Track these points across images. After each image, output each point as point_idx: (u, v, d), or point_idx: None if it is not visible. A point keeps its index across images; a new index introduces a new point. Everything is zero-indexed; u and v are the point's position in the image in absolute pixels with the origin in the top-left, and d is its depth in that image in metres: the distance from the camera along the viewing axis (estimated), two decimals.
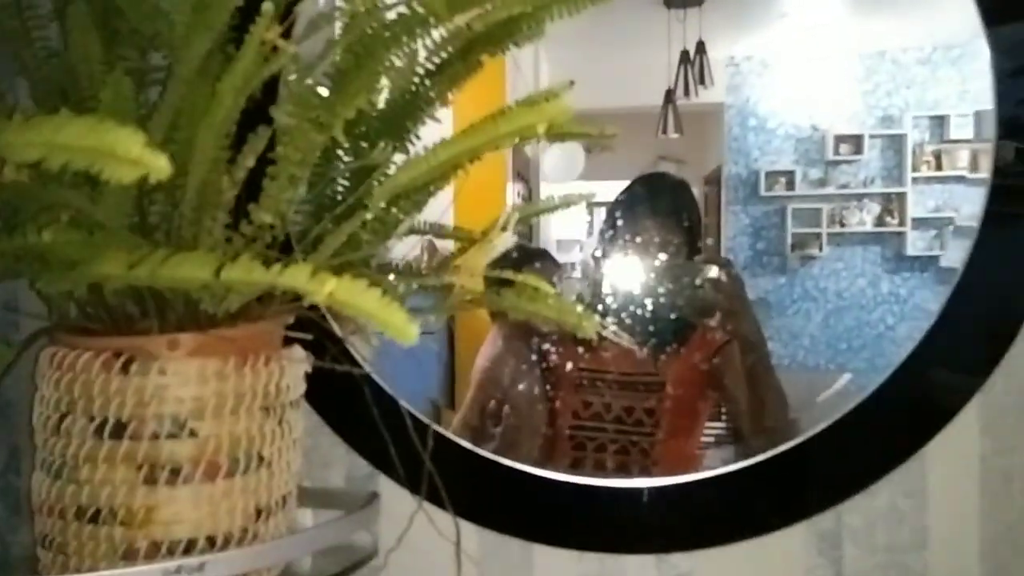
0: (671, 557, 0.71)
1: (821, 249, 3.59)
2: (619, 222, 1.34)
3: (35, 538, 0.61)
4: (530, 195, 1.55)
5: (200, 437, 0.58)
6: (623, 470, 1.23)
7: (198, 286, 0.42)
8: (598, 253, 1.25)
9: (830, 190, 3.60)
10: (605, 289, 1.20)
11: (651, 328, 1.26)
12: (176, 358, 0.58)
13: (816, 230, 3.56)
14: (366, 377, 0.73)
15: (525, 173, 1.42)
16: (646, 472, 1.25)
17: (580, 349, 1.14)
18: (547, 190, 1.59)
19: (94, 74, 0.61)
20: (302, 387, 0.66)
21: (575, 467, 1.15)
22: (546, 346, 1.14)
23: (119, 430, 0.57)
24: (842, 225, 3.55)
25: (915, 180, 3.27)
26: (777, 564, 0.70)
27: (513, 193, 1.39)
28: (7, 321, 0.69)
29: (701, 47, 3.33)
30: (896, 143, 3.41)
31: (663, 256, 1.21)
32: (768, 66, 3.09)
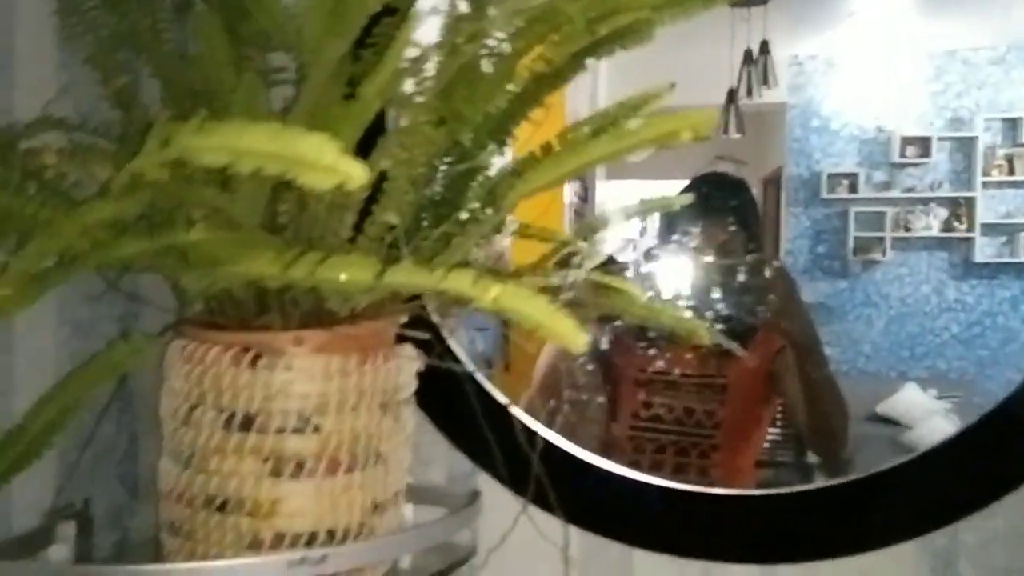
0: (777, 569, 0.70)
1: (884, 254, 3.51)
2: (676, 222, 1.33)
3: (158, 523, 0.63)
4: (585, 193, 1.55)
5: (323, 432, 0.59)
6: (681, 472, 1.22)
7: (359, 289, 0.43)
8: (654, 252, 1.24)
9: (895, 193, 3.52)
10: (662, 289, 1.19)
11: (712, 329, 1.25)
12: (301, 354, 0.59)
13: (880, 234, 3.48)
14: (469, 375, 0.74)
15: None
16: (705, 475, 1.24)
17: (642, 350, 1.13)
18: (602, 188, 1.59)
19: (223, 76, 0.62)
20: (414, 384, 0.67)
21: (633, 468, 1.14)
22: (607, 346, 1.14)
23: (247, 423, 0.58)
24: (907, 230, 3.46)
25: (985, 184, 3.18)
26: None
27: (569, 190, 1.38)
28: (129, 312, 0.71)
29: (765, 46, 3.28)
30: (966, 146, 3.32)
31: (719, 256, 1.19)
32: (833, 66, 3.01)
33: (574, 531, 0.72)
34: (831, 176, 3.47)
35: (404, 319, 0.66)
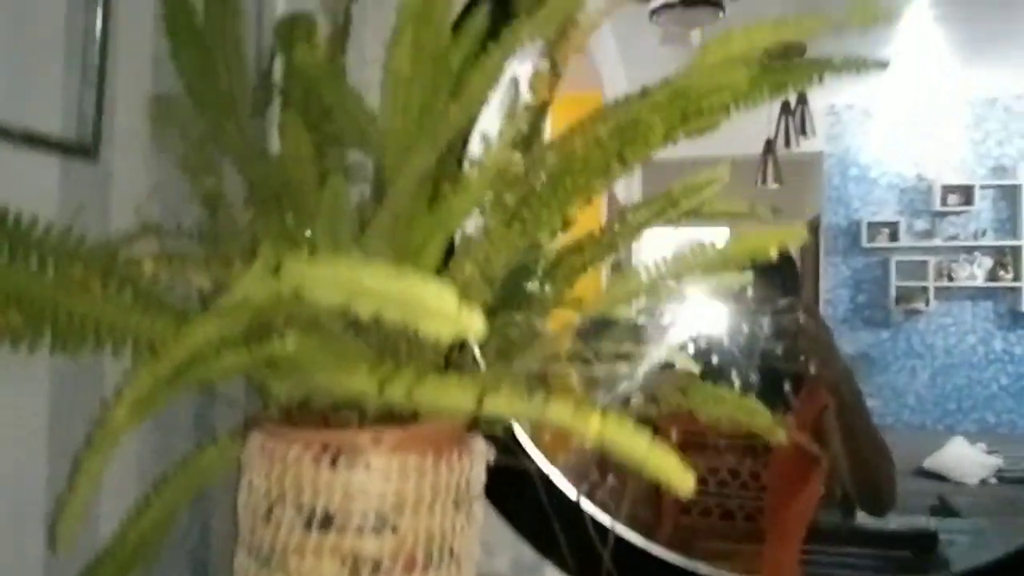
0: None
1: (927, 303, 3.46)
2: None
3: None
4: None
5: (400, 532, 0.60)
6: (727, 535, 1.20)
7: (456, 414, 0.44)
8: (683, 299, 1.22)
9: (937, 242, 3.48)
10: (699, 342, 1.17)
11: (754, 384, 1.23)
12: (380, 453, 0.60)
13: (922, 283, 3.43)
14: (535, 466, 0.74)
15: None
16: (752, 540, 1.21)
17: (683, 411, 1.12)
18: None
19: (305, 175, 0.64)
20: (484, 479, 0.67)
21: (677, 531, 1.12)
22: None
23: (327, 523, 0.59)
24: (950, 279, 3.41)
25: None
26: None
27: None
28: (203, 403, 0.73)
29: (802, 97, 3.28)
30: (1010, 194, 3.28)
31: (754, 307, 1.17)
32: (870, 115, 3.00)
33: None
34: (871, 225, 3.44)
35: None
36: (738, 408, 0.62)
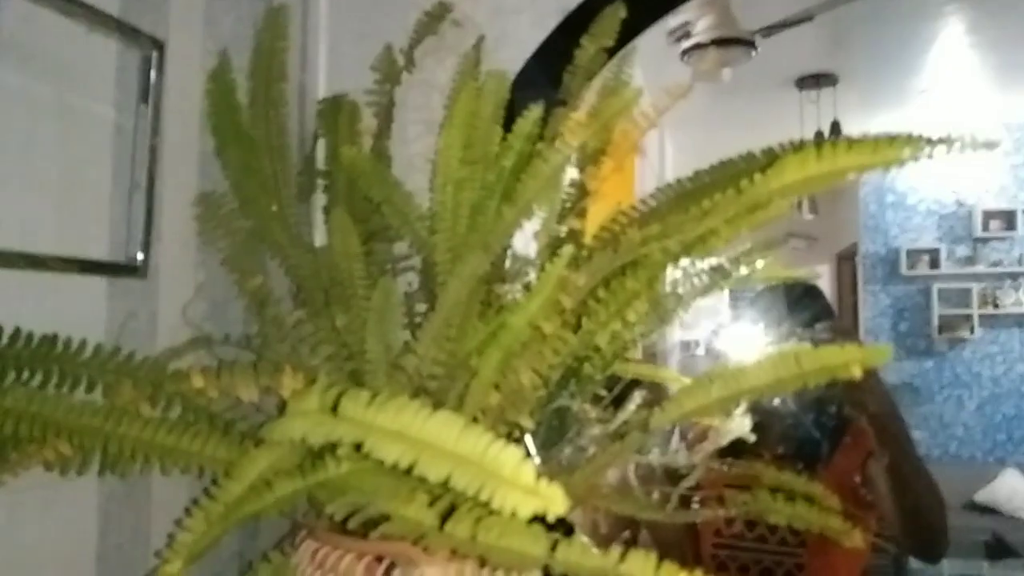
0: None
1: (972, 331, 3.37)
2: (747, 309, 1.28)
3: None
4: None
5: None
6: None
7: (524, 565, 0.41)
8: (720, 340, 1.18)
9: (980, 268, 3.40)
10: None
11: (795, 433, 1.18)
12: (434, 563, 0.58)
13: (966, 311, 3.35)
14: None
15: None
16: None
17: (720, 463, 1.08)
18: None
19: (355, 271, 0.63)
20: None
21: None
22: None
23: None
24: (995, 306, 3.32)
25: None
26: None
27: None
28: (247, 545, 0.71)
29: (836, 127, 3.25)
30: None
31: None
32: None
33: None
34: (911, 252, 3.35)
35: None
36: (808, 512, 0.59)
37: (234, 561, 0.69)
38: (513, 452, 0.32)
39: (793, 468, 0.97)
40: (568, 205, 0.61)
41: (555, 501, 0.31)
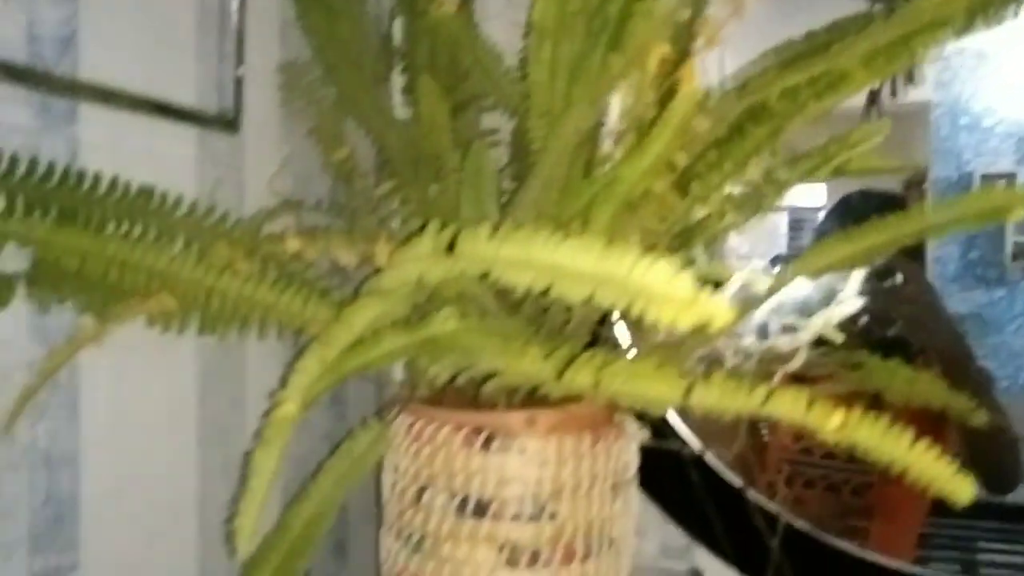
0: None
1: None
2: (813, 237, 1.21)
3: None
4: None
5: (558, 520, 0.56)
6: (829, 510, 1.12)
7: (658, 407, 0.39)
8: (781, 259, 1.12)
9: None
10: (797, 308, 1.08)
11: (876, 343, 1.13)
12: (535, 435, 0.56)
13: None
14: (685, 446, 0.69)
15: None
16: (860, 516, 1.13)
17: (792, 381, 1.04)
18: None
19: (444, 143, 0.60)
20: (637, 462, 0.63)
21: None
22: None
23: (481, 509, 0.56)
24: None
25: None
26: None
27: None
28: (336, 413, 0.71)
29: None
30: None
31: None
32: (985, 58, 2.77)
33: None
34: (985, 177, 3.20)
35: None
36: (931, 388, 0.55)
37: (324, 442, 0.69)
38: (664, 265, 0.29)
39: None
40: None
41: (718, 312, 0.28)
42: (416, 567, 0.58)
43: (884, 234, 0.45)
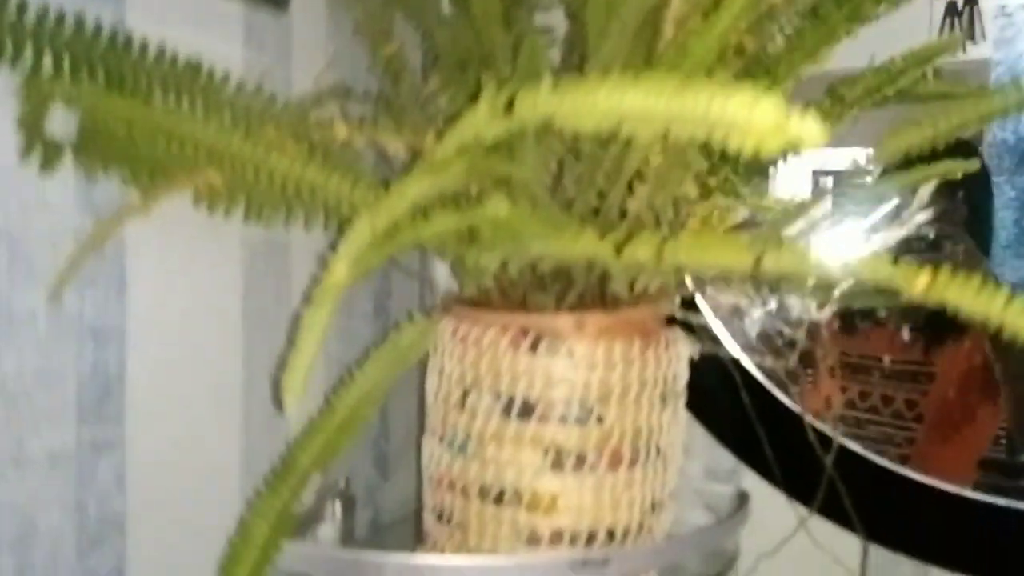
0: None
1: None
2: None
3: (421, 507, 0.61)
4: None
5: (606, 424, 0.55)
6: (885, 431, 1.08)
7: (736, 270, 0.37)
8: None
9: None
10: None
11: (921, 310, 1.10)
12: (583, 338, 0.55)
13: None
14: (736, 363, 0.67)
15: None
16: (916, 437, 1.09)
17: (838, 332, 1.01)
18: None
19: (497, 39, 0.58)
20: (687, 375, 0.61)
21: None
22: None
23: (527, 411, 0.55)
24: None
25: None
26: None
27: None
28: (382, 289, 0.70)
29: None
30: None
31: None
32: None
33: (855, 541, 0.64)
34: None
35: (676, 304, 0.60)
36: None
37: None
38: (745, 91, 0.27)
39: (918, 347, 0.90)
40: None
41: (808, 133, 0.26)
42: (459, 470, 0.57)
43: (954, 117, 0.42)
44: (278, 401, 0.35)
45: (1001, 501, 0.62)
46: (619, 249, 0.39)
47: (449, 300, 0.62)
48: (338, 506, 0.63)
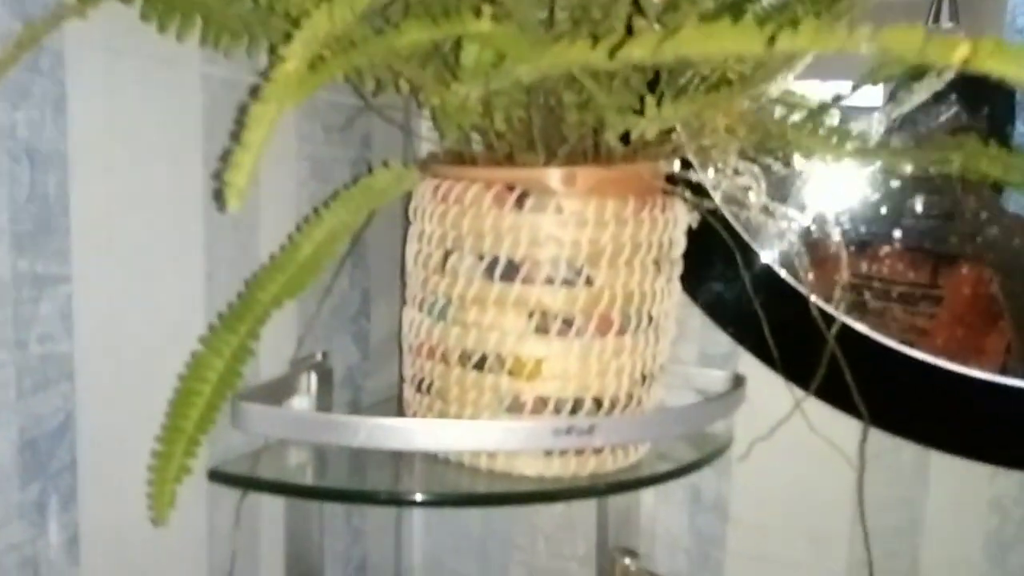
0: None
1: None
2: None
3: (401, 380, 0.58)
4: None
5: (595, 287, 0.51)
6: (891, 310, 1.05)
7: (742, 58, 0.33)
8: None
9: None
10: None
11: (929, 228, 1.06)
12: (573, 194, 0.51)
13: None
14: (738, 239, 0.63)
15: None
16: (923, 314, 1.06)
17: (850, 253, 0.97)
18: None
19: None
20: (684, 244, 0.57)
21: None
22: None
23: (511, 272, 0.51)
24: None
25: None
26: None
27: None
28: (360, 157, 0.65)
29: None
30: None
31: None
32: None
33: (854, 424, 0.61)
34: None
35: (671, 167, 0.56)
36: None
37: None
38: None
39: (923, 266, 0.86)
40: None
41: None
42: (439, 336, 0.54)
43: None
44: (223, 201, 0.31)
45: (1009, 381, 0.59)
46: (613, 52, 0.35)
47: (431, 159, 0.57)
48: (313, 378, 0.59)
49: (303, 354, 0.60)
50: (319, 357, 0.60)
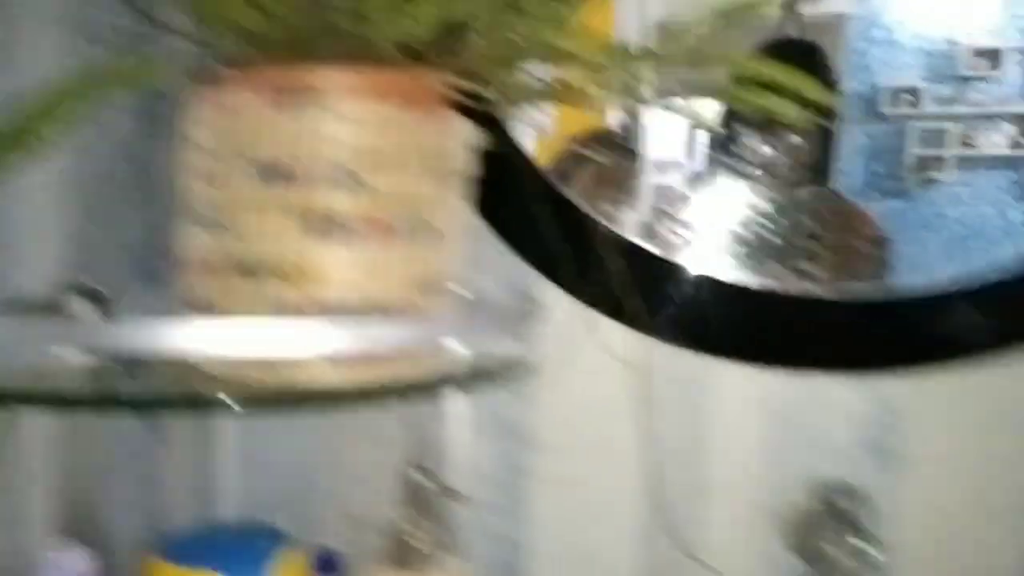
0: (873, 380, 0.61)
1: (946, 173, 3.27)
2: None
3: (183, 302, 0.55)
4: None
5: (368, 189, 0.51)
6: None
7: None
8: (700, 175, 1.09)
9: (961, 109, 3.28)
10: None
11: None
12: (345, 97, 0.51)
13: (939, 152, 3.25)
14: (532, 167, 0.65)
15: None
16: None
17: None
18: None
19: None
20: (471, 162, 0.58)
21: None
22: None
23: (288, 176, 0.50)
24: (971, 147, 3.24)
25: None
26: (1001, 396, 0.59)
27: None
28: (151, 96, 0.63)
29: None
30: None
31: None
32: None
33: (639, 338, 0.63)
34: (893, 91, 3.26)
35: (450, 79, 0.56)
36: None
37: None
38: None
39: None
40: None
41: None
42: (214, 247, 0.52)
43: None
44: None
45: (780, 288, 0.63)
46: None
47: (205, 68, 0.56)
48: (87, 306, 0.56)
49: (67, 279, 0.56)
50: (89, 283, 0.57)
